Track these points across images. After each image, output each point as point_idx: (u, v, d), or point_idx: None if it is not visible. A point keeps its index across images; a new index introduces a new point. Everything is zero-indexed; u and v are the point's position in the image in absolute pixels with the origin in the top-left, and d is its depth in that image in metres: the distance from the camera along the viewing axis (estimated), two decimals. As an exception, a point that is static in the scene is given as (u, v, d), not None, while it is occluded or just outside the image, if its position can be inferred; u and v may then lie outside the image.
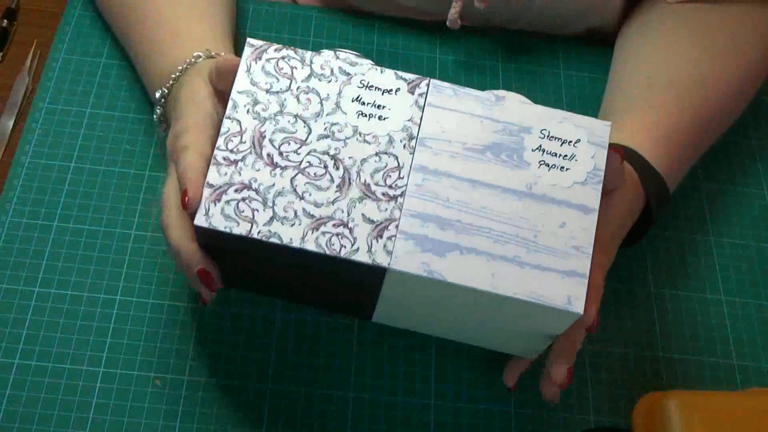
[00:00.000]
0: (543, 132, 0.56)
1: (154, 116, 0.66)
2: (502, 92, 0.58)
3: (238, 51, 0.77)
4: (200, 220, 0.53)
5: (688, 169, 0.72)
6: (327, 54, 0.58)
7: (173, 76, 0.63)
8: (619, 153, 0.57)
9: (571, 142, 0.56)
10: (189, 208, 0.53)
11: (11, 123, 0.73)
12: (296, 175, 0.54)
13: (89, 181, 0.70)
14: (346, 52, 0.58)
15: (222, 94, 0.59)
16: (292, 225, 0.53)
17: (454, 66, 0.82)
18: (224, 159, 0.54)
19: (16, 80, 0.75)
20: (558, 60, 0.84)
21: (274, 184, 0.54)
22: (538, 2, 0.80)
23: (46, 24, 0.79)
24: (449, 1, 0.77)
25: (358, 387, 0.65)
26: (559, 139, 0.56)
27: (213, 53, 0.64)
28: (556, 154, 0.56)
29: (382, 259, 0.53)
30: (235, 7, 0.76)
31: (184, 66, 0.63)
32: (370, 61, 0.58)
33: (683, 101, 0.70)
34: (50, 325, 0.64)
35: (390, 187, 0.54)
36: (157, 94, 0.65)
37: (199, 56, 0.63)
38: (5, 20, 0.78)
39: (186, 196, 0.53)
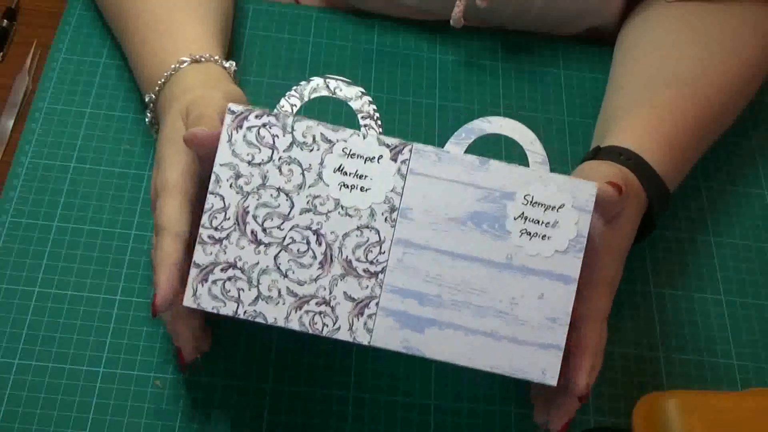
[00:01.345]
0: (526, 198, 0.55)
1: (146, 120, 0.66)
2: (494, 119, 0.57)
3: (234, 52, 0.78)
4: (189, 302, 0.55)
5: (689, 169, 0.72)
6: (316, 81, 0.58)
7: (159, 82, 0.64)
8: (617, 188, 0.57)
9: (554, 207, 0.55)
10: (155, 312, 0.55)
11: (11, 123, 0.73)
12: (279, 252, 0.55)
13: (89, 181, 0.70)
14: (336, 79, 0.58)
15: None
16: (277, 304, 0.55)
17: (454, 66, 0.82)
18: (209, 237, 0.55)
19: (16, 80, 0.75)
20: (558, 60, 0.84)
21: (258, 263, 0.55)
22: (539, 1, 0.80)
23: (46, 24, 0.79)
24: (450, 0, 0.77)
25: (358, 387, 0.65)
26: (542, 205, 0.55)
27: (198, 57, 0.64)
28: (538, 222, 0.55)
29: (362, 338, 0.55)
30: (231, 8, 0.76)
31: (170, 72, 0.63)
32: (360, 88, 0.58)
33: (685, 101, 0.70)
34: (50, 325, 0.64)
35: (371, 263, 0.55)
36: (146, 99, 0.65)
37: (185, 61, 0.64)
38: (5, 20, 0.78)
39: (155, 301, 0.54)
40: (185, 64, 0.64)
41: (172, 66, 0.64)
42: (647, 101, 0.70)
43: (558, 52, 0.84)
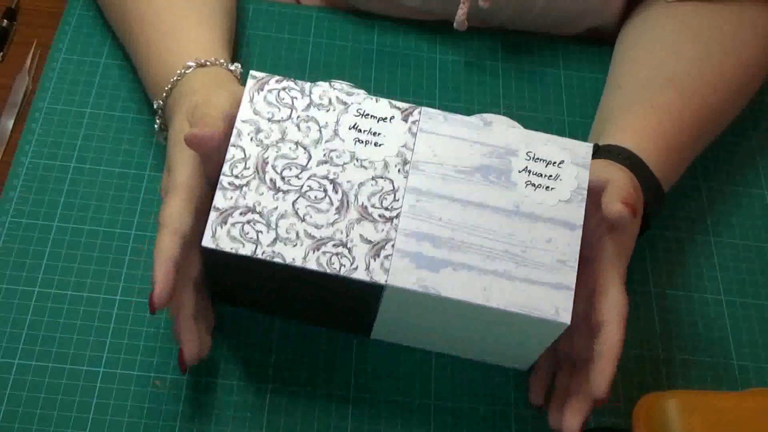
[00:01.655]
0: (529, 154, 0.59)
1: (155, 125, 0.66)
2: (489, 116, 0.60)
3: (237, 55, 0.78)
4: (207, 242, 0.56)
5: (684, 169, 0.72)
6: (322, 87, 0.60)
7: (167, 87, 0.64)
8: (630, 209, 0.58)
9: (555, 162, 0.59)
10: (153, 309, 0.55)
11: (11, 123, 0.73)
12: (297, 198, 0.57)
13: (89, 181, 0.70)
14: (341, 84, 0.60)
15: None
16: (295, 246, 0.56)
17: (454, 66, 0.82)
18: (230, 184, 0.57)
19: (16, 80, 0.75)
20: (558, 60, 0.84)
21: (277, 207, 0.57)
22: (540, 2, 0.80)
23: (46, 24, 0.79)
24: (452, 1, 0.77)
25: (358, 387, 0.65)
26: (544, 160, 0.59)
27: (204, 61, 0.64)
28: (541, 175, 0.58)
29: (379, 277, 0.56)
30: (235, 11, 0.76)
31: (176, 78, 0.63)
32: (364, 92, 0.60)
33: (683, 103, 0.70)
34: (50, 325, 0.64)
35: (386, 209, 0.57)
36: (154, 105, 0.65)
37: (190, 66, 0.64)
38: (5, 20, 0.78)
39: (152, 296, 0.54)
40: (191, 69, 0.64)
41: (178, 71, 0.64)
42: (646, 102, 0.70)
43: (558, 52, 0.84)
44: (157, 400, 0.62)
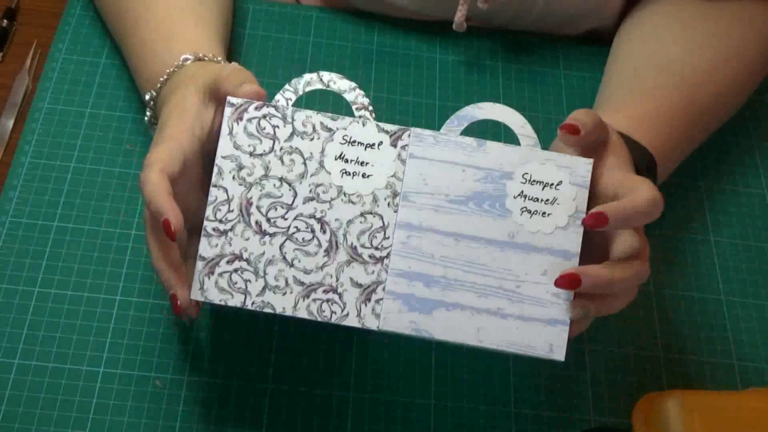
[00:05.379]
0: (525, 176, 0.57)
1: (146, 118, 0.66)
2: (486, 105, 0.58)
3: (233, 55, 0.78)
4: (196, 295, 0.56)
5: (681, 150, 0.71)
6: (310, 76, 0.58)
7: (162, 79, 0.63)
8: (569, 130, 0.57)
9: (552, 184, 0.57)
10: (174, 237, 0.53)
11: (11, 123, 0.73)
12: (285, 241, 0.56)
13: (89, 181, 0.70)
14: (329, 75, 0.59)
15: (221, 100, 0.58)
16: (284, 294, 0.56)
17: (454, 66, 0.82)
18: (214, 230, 0.56)
19: (16, 80, 0.75)
20: (558, 60, 0.84)
21: (264, 253, 0.56)
22: (540, 3, 0.80)
23: (46, 24, 0.79)
24: (451, 4, 0.77)
25: (358, 387, 0.65)
26: (540, 182, 0.57)
27: (201, 55, 0.64)
28: (537, 199, 0.57)
29: (371, 323, 0.56)
30: (231, 10, 0.76)
31: (172, 69, 0.63)
32: (354, 83, 0.58)
33: (669, 82, 0.70)
34: (50, 325, 0.64)
35: (376, 248, 0.56)
36: (147, 97, 0.65)
37: (188, 59, 0.63)
38: (5, 20, 0.78)
39: (171, 228, 0.53)
40: (188, 62, 0.63)
41: (176, 63, 0.63)
42: (631, 86, 0.70)
43: (558, 52, 0.84)
44: (157, 400, 0.62)
